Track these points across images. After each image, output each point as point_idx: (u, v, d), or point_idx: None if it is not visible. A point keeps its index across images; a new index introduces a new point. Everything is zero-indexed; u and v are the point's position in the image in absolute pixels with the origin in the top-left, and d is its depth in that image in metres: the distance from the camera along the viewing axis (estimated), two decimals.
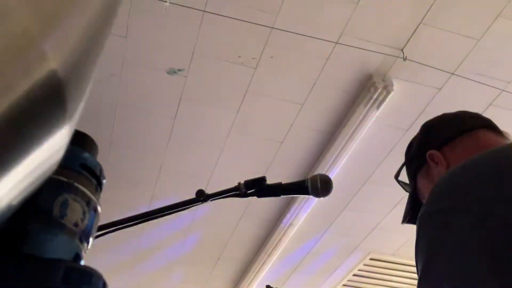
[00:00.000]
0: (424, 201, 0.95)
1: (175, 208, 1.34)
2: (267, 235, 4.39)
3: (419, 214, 0.91)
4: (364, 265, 4.66)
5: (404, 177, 1.31)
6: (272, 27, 2.75)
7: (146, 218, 1.34)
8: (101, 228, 1.24)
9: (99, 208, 0.60)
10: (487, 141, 1.13)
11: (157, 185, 3.87)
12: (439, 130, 1.22)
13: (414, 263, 0.90)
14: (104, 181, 0.63)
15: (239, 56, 2.92)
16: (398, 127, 3.27)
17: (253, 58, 2.93)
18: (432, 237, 0.86)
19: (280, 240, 4.27)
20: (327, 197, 1.41)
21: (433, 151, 1.17)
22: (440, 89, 3.05)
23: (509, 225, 0.77)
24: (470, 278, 0.77)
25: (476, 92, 3.03)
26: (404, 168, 1.29)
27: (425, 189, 1.20)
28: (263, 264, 4.62)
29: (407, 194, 1.28)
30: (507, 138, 1.18)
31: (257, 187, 1.38)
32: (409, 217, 1.24)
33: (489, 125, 1.18)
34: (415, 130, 1.30)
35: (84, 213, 0.56)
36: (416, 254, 0.89)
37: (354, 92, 3.10)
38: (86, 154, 0.60)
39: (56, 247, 0.53)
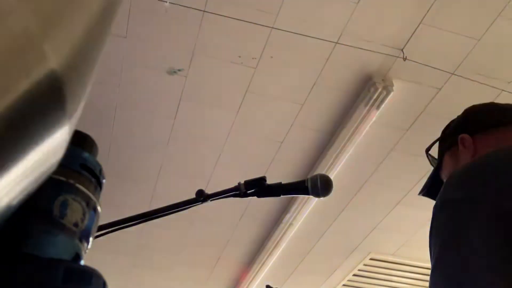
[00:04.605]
0: (444, 179, 0.97)
1: (175, 208, 1.34)
2: (267, 235, 4.39)
3: (434, 204, 0.93)
4: (364, 265, 4.65)
5: (434, 152, 1.35)
6: (272, 27, 2.75)
7: (146, 218, 1.34)
8: (101, 228, 1.24)
9: (99, 208, 0.60)
10: None
11: (157, 185, 3.87)
12: (477, 117, 1.25)
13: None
14: (104, 181, 0.63)
15: (239, 56, 2.92)
16: (398, 127, 3.26)
17: (253, 58, 2.93)
18: (446, 226, 0.87)
19: (280, 240, 4.27)
20: (327, 197, 1.41)
21: (465, 135, 1.20)
22: (440, 89, 3.05)
23: None
24: (483, 266, 0.78)
25: (476, 92, 3.03)
26: (437, 144, 1.32)
27: (449, 168, 1.23)
28: (263, 264, 4.62)
29: (424, 176, 1.28)
30: None
31: (257, 187, 1.37)
32: (426, 190, 1.27)
33: None
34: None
35: (84, 213, 0.56)
36: (430, 241, 0.90)
37: (354, 92, 3.09)
38: (86, 154, 0.60)
39: (56, 247, 0.53)
